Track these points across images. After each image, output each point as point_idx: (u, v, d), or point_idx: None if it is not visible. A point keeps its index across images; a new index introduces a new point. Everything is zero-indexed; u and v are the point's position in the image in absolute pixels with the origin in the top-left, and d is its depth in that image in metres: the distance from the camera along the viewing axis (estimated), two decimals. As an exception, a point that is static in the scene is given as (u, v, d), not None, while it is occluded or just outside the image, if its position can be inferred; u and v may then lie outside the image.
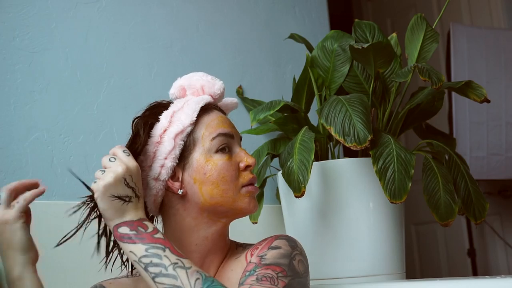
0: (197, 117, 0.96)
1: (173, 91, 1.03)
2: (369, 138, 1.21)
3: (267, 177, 1.56)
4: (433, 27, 1.42)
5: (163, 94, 1.09)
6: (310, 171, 1.23)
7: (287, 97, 1.75)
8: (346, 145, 1.22)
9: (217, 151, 0.95)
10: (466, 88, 1.35)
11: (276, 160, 1.60)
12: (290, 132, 1.47)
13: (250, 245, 1.00)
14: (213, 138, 0.95)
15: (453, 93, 2.41)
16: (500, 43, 2.58)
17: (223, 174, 0.94)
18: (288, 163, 1.28)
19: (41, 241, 1.15)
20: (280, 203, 1.52)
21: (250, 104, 1.76)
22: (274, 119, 1.46)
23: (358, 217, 1.33)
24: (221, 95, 1.02)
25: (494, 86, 2.48)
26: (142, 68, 1.59)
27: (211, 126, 0.96)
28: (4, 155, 1.30)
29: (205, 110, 0.98)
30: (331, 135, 1.28)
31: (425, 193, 1.31)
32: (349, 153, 1.58)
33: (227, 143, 0.96)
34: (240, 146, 1.00)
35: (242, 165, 0.96)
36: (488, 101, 1.32)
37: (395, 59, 1.42)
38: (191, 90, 1.01)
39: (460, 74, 2.45)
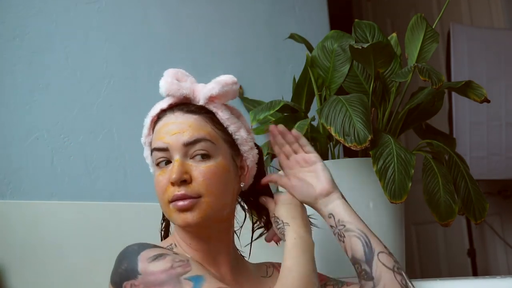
0: (154, 125, 0.97)
1: None
2: (369, 138, 1.21)
3: (267, 177, 1.56)
4: (433, 27, 1.42)
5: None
6: None
7: (287, 97, 1.74)
8: (346, 145, 1.22)
9: (157, 164, 0.94)
10: (466, 88, 1.35)
11: (276, 160, 1.60)
12: (290, 132, 1.47)
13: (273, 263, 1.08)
14: (151, 153, 0.95)
15: (453, 93, 2.41)
16: (500, 43, 2.58)
17: (156, 189, 0.93)
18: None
19: (42, 240, 1.15)
20: (280, 203, 1.51)
21: (250, 104, 1.76)
22: (274, 119, 1.46)
23: (358, 217, 1.33)
24: (170, 91, 0.97)
25: (494, 86, 2.48)
26: (142, 68, 1.59)
27: (154, 138, 0.95)
28: (4, 155, 1.30)
29: (164, 112, 0.97)
30: (331, 135, 1.28)
31: (425, 193, 1.31)
32: (349, 153, 1.58)
33: (162, 156, 0.93)
34: (181, 154, 0.92)
35: (170, 180, 0.91)
36: (488, 101, 1.32)
37: (395, 59, 1.42)
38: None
39: (460, 74, 2.45)
